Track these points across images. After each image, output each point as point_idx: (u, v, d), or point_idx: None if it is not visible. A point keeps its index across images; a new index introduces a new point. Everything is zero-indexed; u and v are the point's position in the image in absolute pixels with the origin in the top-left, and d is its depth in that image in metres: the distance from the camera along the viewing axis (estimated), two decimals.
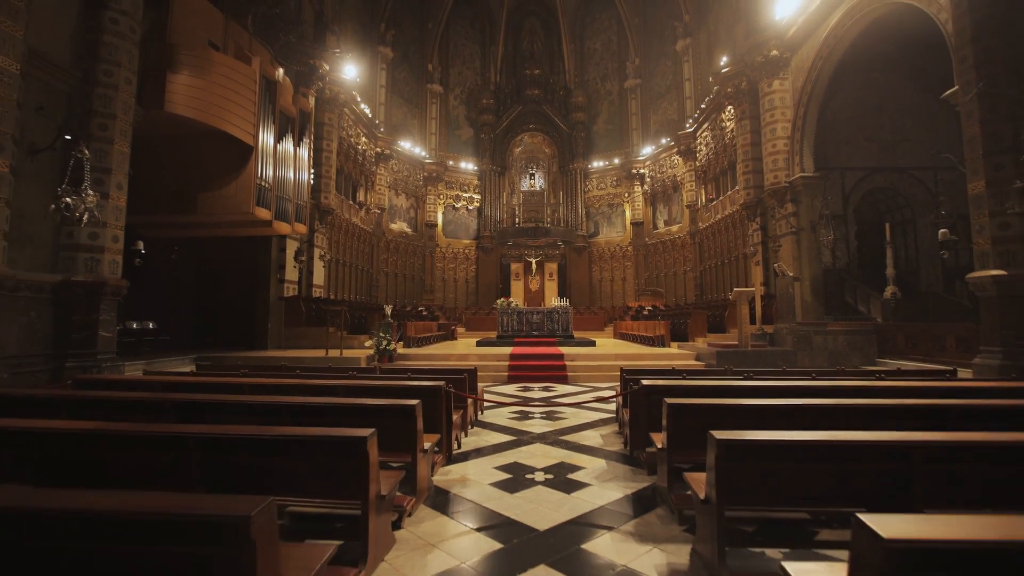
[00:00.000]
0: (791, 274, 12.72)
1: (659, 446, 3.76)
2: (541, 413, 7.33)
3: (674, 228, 23.38)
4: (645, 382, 4.54)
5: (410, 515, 3.51)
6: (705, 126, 20.34)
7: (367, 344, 11.82)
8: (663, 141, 23.70)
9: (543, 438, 5.83)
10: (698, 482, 2.85)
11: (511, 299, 20.53)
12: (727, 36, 18.26)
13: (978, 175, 7.48)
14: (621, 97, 26.45)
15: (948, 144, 11.77)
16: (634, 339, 16.13)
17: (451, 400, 4.93)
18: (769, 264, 14.94)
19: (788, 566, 1.80)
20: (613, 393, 6.98)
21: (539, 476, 4.44)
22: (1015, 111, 7.10)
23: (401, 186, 24.47)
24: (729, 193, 18.60)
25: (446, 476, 4.48)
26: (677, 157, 22.63)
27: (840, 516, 3.09)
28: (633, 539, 3.17)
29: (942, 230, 9.77)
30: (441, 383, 4.68)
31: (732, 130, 17.64)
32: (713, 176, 19.98)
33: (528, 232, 25.80)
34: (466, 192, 26.86)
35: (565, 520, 3.46)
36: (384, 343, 10.96)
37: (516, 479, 4.36)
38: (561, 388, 9.86)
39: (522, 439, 5.80)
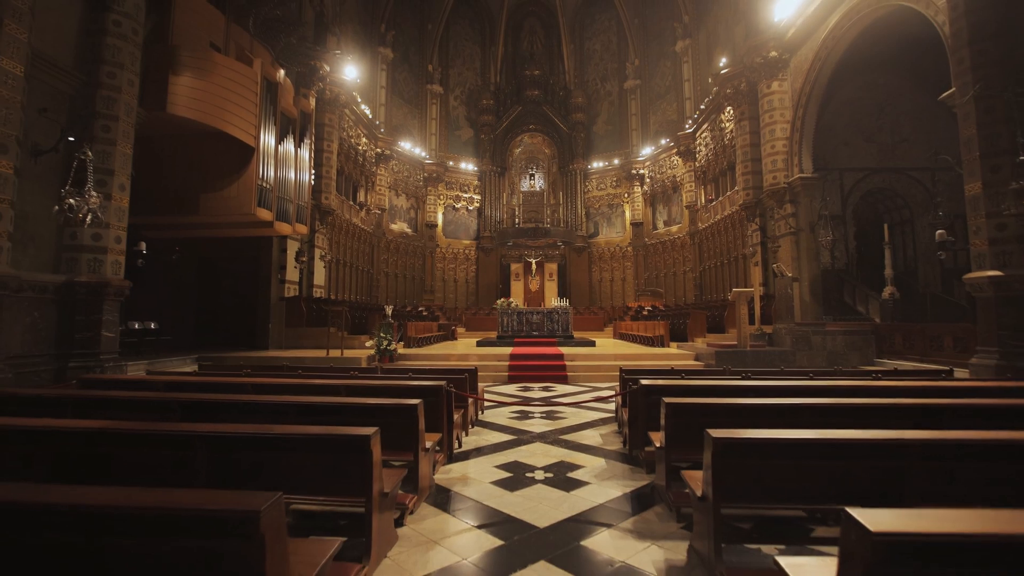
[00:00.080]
0: (790, 274, 12.77)
1: (657, 445, 3.81)
2: (541, 413, 7.38)
3: (674, 228, 23.43)
4: (644, 382, 4.59)
5: (412, 513, 3.56)
6: (705, 127, 20.39)
7: (368, 344, 11.86)
8: (663, 142, 23.75)
9: (543, 437, 5.88)
10: (695, 480, 2.90)
11: (511, 299, 20.60)
12: (726, 37, 18.31)
13: (975, 176, 7.54)
14: (621, 98, 26.51)
15: (947, 145, 11.83)
16: (634, 339, 16.18)
17: (452, 400, 4.97)
18: (768, 264, 14.99)
19: (781, 560, 1.85)
20: (612, 393, 7.03)
21: (539, 475, 4.49)
22: (1012, 113, 7.14)
23: (401, 187, 24.52)
24: (728, 194, 18.65)
25: (447, 474, 4.53)
26: (677, 158, 22.68)
27: (834, 513, 3.13)
28: (632, 536, 3.22)
29: (939, 231, 9.82)
30: (442, 383, 4.73)
31: (731, 131, 17.69)
32: (712, 177, 20.03)
33: (528, 232, 25.85)
34: (466, 192, 26.91)
35: (565, 518, 3.51)
36: (385, 343, 11.01)
37: (516, 478, 4.41)
38: (561, 388, 9.92)
39: (522, 438, 5.85)
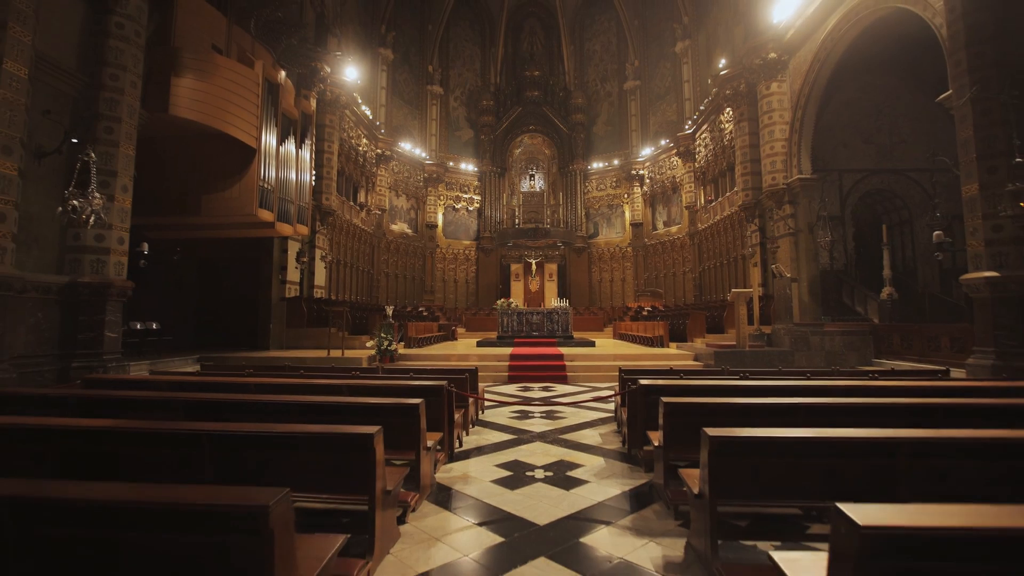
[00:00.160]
0: (789, 275, 12.82)
1: (656, 444, 3.86)
2: (541, 412, 7.43)
3: (673, 229, 23.48)
4: (643, 382, 4.63)
5: (414, 510, 3.61)
6: (704, 128, 20.44)
7: (368, 344, 11.91)
8: (662, 142, 23.81)
9: (543, 437, 5.93)
10: (692, 478, 2.95)
11: (511, 300, 20.65)
12: (726, 38, 18.36)
13: (972, 178, 7.58)
14: (620, 98, 26.57)
15: (945, 146, 11.87)
16: (633, 339, 16.23)
17: (453, 399, 5.02)
18: (767, 265, 15.04)
19: (776, 556, 1.90)
20: (612, 393, 7.08)
21: (539, 473, 4.54)
22: (1008, 115, 7.18)
23: (402, 187, 24.57)
24: (728, 194, 18.70)
25: (448, 473, 4.58)
26: (676, 158, 22.73)
27: (829, 511, 3.18)
28: (630, 533, 3.27)
29: (936, 232, 9.86)
30: (443, 383, 4.77)
31: (731, 132, 17.75)
32: (712, 177, 20.08)
33: (528, 233, 25.90)
34: (466, 193, 26.96)
35: (564, 515, 3.56)
36: (385, 343, 11.06)
37: (517, 476, 4.46)
38: (561, 388, 9.96)
39: (522, 438, 5.90)
